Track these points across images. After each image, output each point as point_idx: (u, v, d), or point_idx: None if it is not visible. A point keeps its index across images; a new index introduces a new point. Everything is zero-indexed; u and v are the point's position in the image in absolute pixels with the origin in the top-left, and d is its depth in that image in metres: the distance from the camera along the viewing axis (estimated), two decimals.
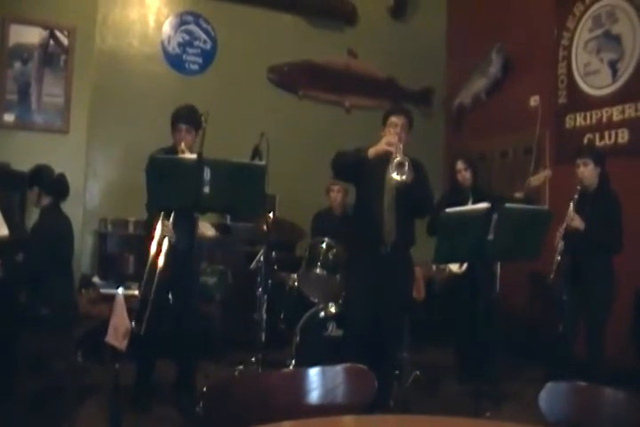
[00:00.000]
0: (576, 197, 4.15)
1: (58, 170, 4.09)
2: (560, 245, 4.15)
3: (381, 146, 3.69)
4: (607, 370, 3.96)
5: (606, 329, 4.11)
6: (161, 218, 3.65)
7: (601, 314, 4.11)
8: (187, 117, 3.93)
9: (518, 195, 4.97)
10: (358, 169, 3.80)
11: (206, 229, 5.56)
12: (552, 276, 4.14)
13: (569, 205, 4.15)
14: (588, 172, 4.21)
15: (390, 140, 3.68)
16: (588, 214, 4.10)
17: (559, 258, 4.14)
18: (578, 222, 4.09)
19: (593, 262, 4.12)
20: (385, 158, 3.67)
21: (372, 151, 3.72)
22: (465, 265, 4.79)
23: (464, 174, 4.88)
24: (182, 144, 3.82)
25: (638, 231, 4.53)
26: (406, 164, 3.53)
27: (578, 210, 4.12)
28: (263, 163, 4.01)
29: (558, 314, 4.38)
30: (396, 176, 3.54)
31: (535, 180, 4.97)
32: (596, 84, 5.54)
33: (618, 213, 4.14)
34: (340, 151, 3.90)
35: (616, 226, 4.10)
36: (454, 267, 4.89)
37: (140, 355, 3.93)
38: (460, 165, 4.90)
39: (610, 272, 4.13)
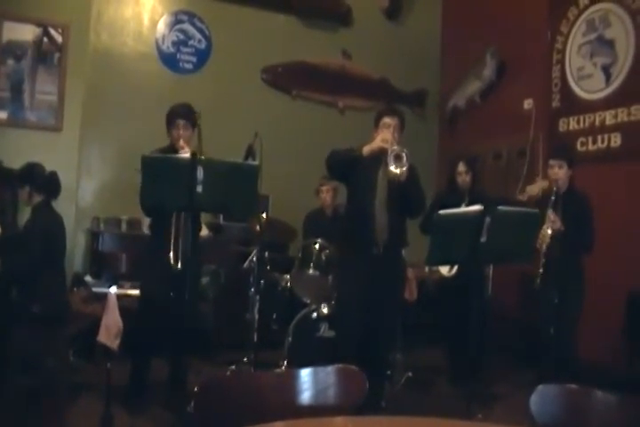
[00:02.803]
0: (553, 198, 4.16)
1: (51, 168, 4.08)
2: (543, 248, 4.15)
3: (376, 143, 3.69)
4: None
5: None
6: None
7: (576, 313, 4.14)
8: (184, 114, 3.90)
9: (520, 197, 4.97)
10: (352, 167, 3.80)
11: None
12: (538, 280, 4.15)
13: (547, 208, 4.14)
14: (562, 173, 4.22)
15: (385, 136, 3.69)
16: (562, 216, 4.11)
17: (542, 261, 4.14)
18: (558, 224, 4.10)
19: (567, 263, 4.13)
20: (379, 157, 3.68)
21: (366, 149, 3.72)
22: (455, 269, 4.80)
23: (464, 177, 4.88)
24: (181, 140, 3.79)
25: (630, 234, 4.56)
26: (404, 155, 3.53)
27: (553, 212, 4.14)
28: (256, 163, 4.00)
29: (550, 316, 4.39)
30: (394, 169, 3.53)
31: (531, 189, 4.96)
32: (590, 88, 5.56)
33: (590, 214, 4.16)
34: (335, 150, 3.90)
35: (588, 227, 4.12)
36: (444, 270, 4.88)
37: (135, 354, 3.92)
38: (461, 167, 4.90)
39: (581, 272, 4.17)
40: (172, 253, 3.65)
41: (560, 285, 4.14)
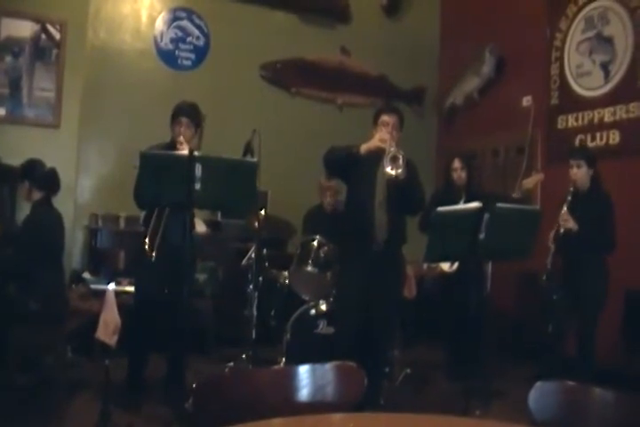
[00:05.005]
0: (569, 198, 4.16)
1: (49, 165, 4.08)
2: (552, 247, 4.16)
3: (374, 142, 3.69)
4: (597, 369, 3.98)
5: (597, 329, 4.13)
6: None
7: (593, 314, 4.12)
8: (189, 112, 3.90)
9: (515, 195, 4.98)
10: (350, 165, 3.79)
11: (198, 225, 5.54)
12: (544, 277, 4.16)
13: (562, 207, 4.15)
14: (581, 173, 4.22)
15: (383, 136, 3.68)
16: (581, 215, 4.12)
17: (550, 258, 4.15)
18: (571, 224, 4.10)
19: (585, 262, 4.13)
20: (377, 155, 3.67)
21: (364, 147, 3.71)
22: (456, 264, 4.80)
23: (460, 173, 4.88)
24: (181, 137, 3.78)
25: (629, 232, 4.55)
26: (400, 157, 3.52)
27: (570, 211, 4.14)
28: (255, 159, 3.99)
29: (548, 313, 4.39)
30: (390, 171, 3.52)
31: (527, 183, 4.97)
32: (588, 85, 5.57)
33: (611, 213, 4.16)
34: (332, 147, 3.89)
35: (609, 226, 4.12)
36: (445, 266, 4.90)
37: (132, 350, 3.92)
38: (456, 163, 4.90)
39: (602, 272, 4.14)
40: (147, 240, 3.63)
41: (573, 284, 4.14)
